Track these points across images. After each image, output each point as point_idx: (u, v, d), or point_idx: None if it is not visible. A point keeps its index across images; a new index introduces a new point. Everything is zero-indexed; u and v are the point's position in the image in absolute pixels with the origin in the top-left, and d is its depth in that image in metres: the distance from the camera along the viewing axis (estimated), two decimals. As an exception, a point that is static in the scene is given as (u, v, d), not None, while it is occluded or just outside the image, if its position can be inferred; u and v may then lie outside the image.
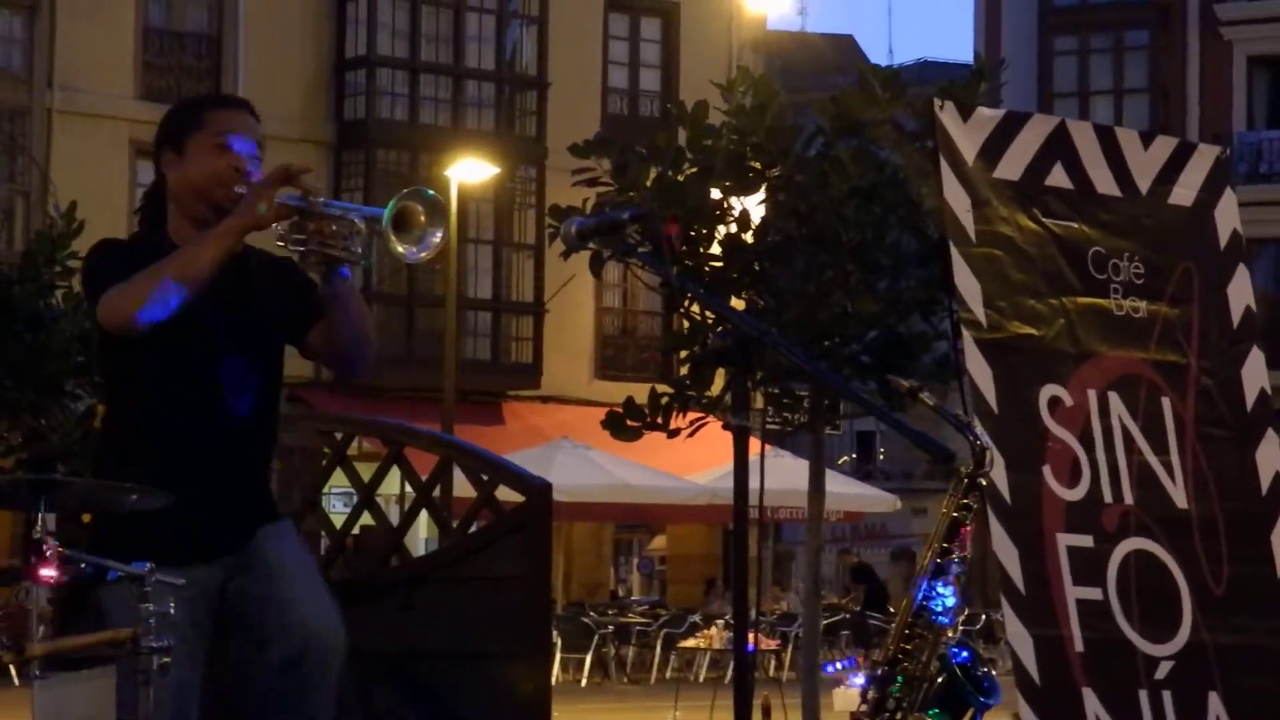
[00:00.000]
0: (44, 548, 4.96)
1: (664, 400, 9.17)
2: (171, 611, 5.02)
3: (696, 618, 26.39)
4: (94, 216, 23.83)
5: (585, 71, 31.74)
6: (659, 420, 9.22)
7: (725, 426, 4.69)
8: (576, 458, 25.54)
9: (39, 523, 4.97)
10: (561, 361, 30.59)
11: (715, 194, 9.12)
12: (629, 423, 9.24)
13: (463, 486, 9.02)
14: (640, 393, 9.42)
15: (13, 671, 5.32)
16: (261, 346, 5.20)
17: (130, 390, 5.20)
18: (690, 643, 25.14)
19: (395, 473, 8.14)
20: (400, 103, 30.27)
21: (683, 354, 9.29)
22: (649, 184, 9.10)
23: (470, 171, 27.01)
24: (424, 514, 8.37)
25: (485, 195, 29.53)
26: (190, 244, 5.02)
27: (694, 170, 9.08)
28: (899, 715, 5.17)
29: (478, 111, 30.70)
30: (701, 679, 24.03)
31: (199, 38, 29.44)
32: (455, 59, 30.73)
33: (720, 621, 24.86)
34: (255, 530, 5.21)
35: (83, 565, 5.09)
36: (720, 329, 5.52)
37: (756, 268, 9.11)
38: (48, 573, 5.00)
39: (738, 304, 9.07)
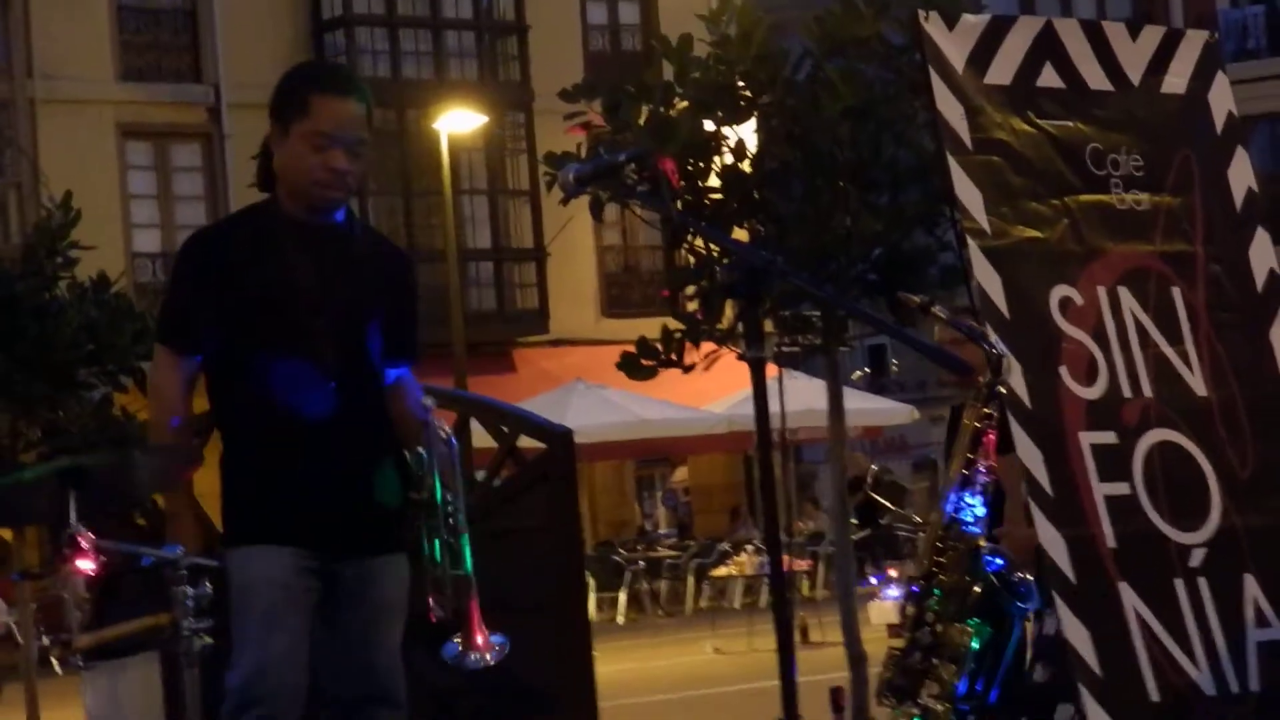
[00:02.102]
0: (77, 538, 4.99)
1: (676, 336, 9.18)
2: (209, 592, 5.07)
3: (725, 546, 26.47)
4: (86, 202, 23.75)
5: (564, 11, 31.63)
6: (673, 357, 9.23)
7: (740, 358, 4.70)
8: (591, 399, 25.57)
9: (70, 513, 5.01)
10: (567, 304, 30.61)
11: (708, 126, 9.10)
12: (643, 362, 9.26)
13: (481, 438, 9.04)
14: (649, 329, 9.43)
15: (54, 661, 5.35)
16: (353, 335, 5.17)
17: (224, 380, 5.20)
18: (721, 571, 25.22)
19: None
20: (382, 60, 30.20)
21: (690, 289, 9.28)
22: (641, 122, 9.07)
23: (458, 122, 26.99)
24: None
25: (475, 145, 29.48)
26: (158, 438, 5.22)
27: (685, 105, 9.06)
28: (939, 627, 5.19)
29: (460, 62, 30.63)
30: (737, 605, 24.12)
31: (174, 12, 29.32)
32: (433, 11, 30.63)
33: (750, 547, 24.93)
34: (368, 548, 5.16)
35: (115, 552, 5.12)
36: (726, 261, 5.54)
37: (756, 196, 9.09)
38: (83, 563, 5.04)
39: (740, 235, 9.06)
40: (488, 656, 4.97)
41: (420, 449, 5.06)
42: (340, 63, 26.85)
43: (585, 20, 32.42)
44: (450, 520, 5.04)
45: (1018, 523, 6.60)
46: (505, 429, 8.91)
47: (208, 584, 5.14)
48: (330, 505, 5.09)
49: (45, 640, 10.71)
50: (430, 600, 5.02)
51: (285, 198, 5.18)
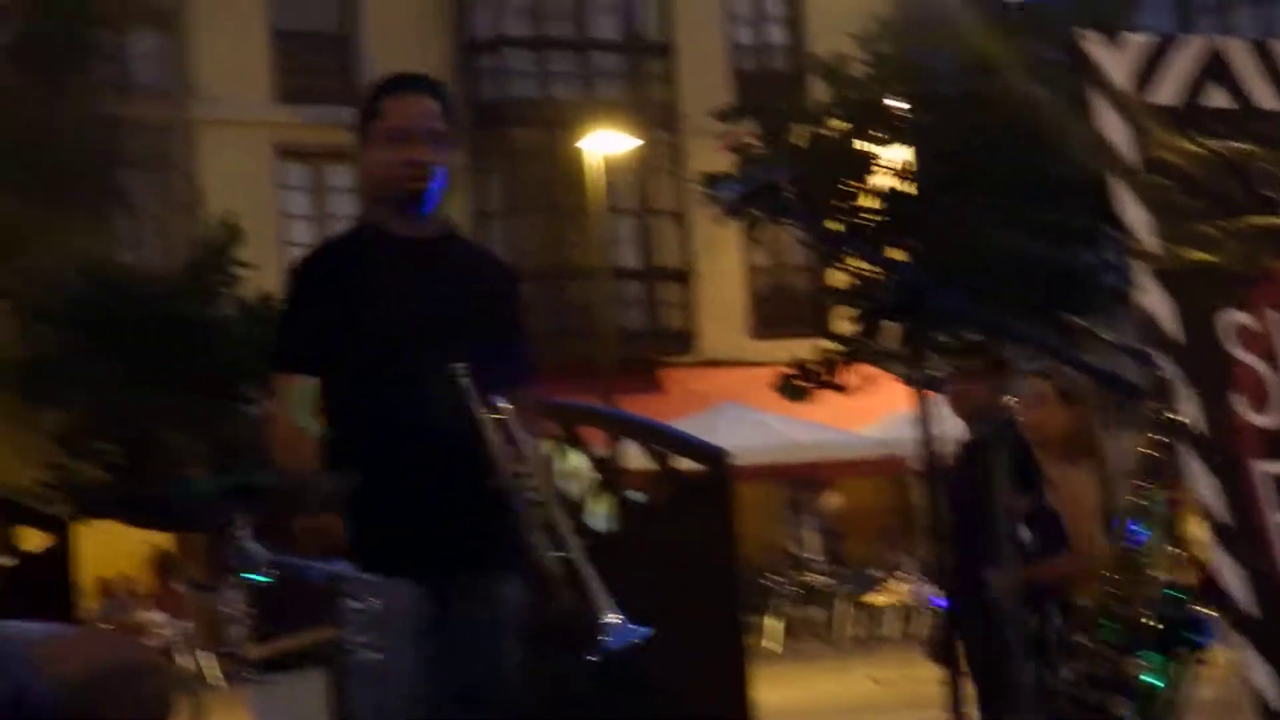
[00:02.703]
0: (242, 550, 5.04)
1: (834, 358, 9.15)
2: (378, 608, 5.08)
3: (877, 572, 26.27)
4: (244, 222, 24.16)
5: (710, 32, 31.63)
6: (829, 378, 9.20)
7: (905, 380, 4.65)
8: (741, 420, 25.48)
9: (236, 527, 5.04)
10: (715, 324, 30.57)
11: (864, 145, 9.07)
12: (800, 383, 9.23)
13: (636, 458, 9.02)
14: (799, 350, 9.42)
15: (219, 674, 5.40)
16: (457, 349, 5.12)
17: (333, 398, 5.19)
18: (874, 598, 25.01)
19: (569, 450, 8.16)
20: (530, 80, 30.35)
21: (847, 310, 9.25)
22: (798, 142, 9.07)
23: (606, 142, 27.11)
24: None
25: (623, 165, 29.54)
26: (290, 463, 5.12)
27: (841, 124, 9.04)
28: (1112, 659, 5.12)
29: (607, 82, 30.71)
30: (891, 633, 23.91)
31: (328, 36, 29.66)
32: (581, 32, 30.74)
33: (903, 574, 24.71)
34: (478, 565, 5.12)
35: (281, 566, 5.15)
36: (886, 282, 5.47)
37: (913, 215, 9.06)
38: (248, 576, 5.08)
39: (899, 254, 9.02)
40: (633, 628, 4.86)
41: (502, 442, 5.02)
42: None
43: (732, 40, 32.40)
44: (538, 504, 4.99)
45: (1079, 548, 6.46)
46: (660, 449, 8.89)
47: (373, 599, 5.15)
48: (438, 523, 5.08)
49: (207, 653, 10.83)
50: (548, 596, 4.98)
51: (379, 208, 5.21)
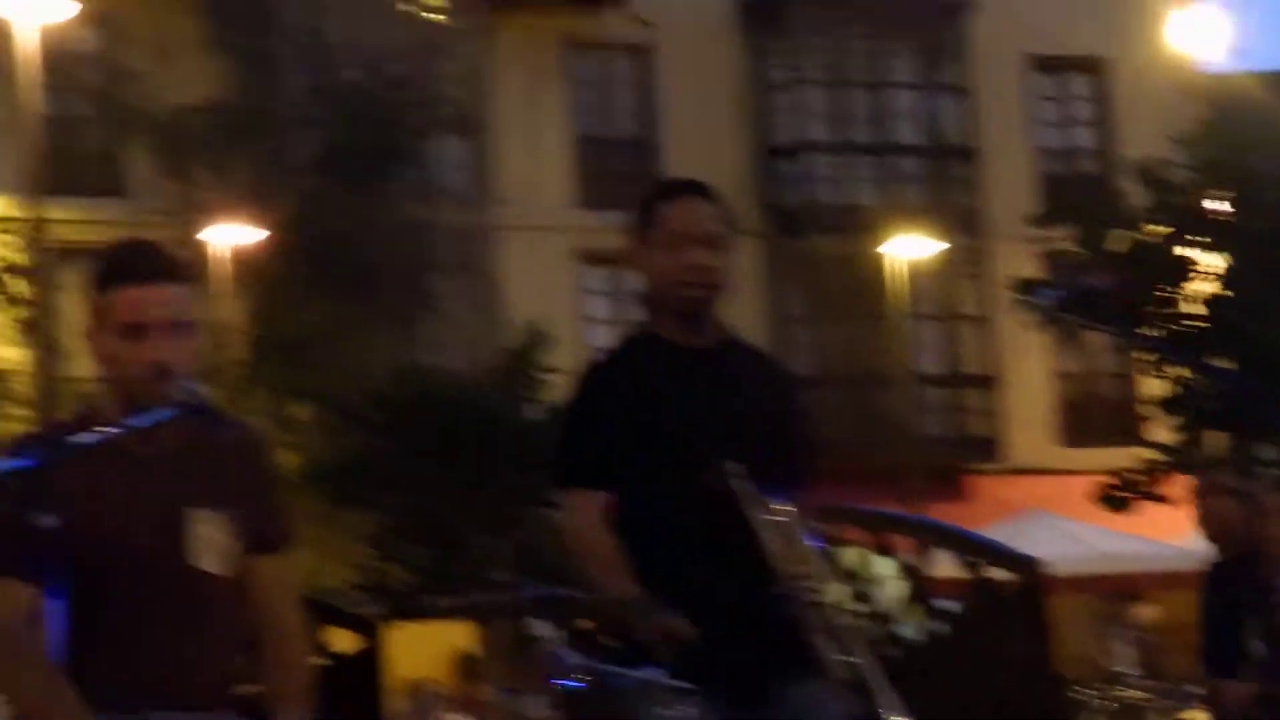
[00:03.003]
0: (552, 656, 4.97)
1: (1157, 467, 8.88)
2: (690, 715, 4.96)
3: (1196, 689, 25.37)
4: (545, 325, 24.35)
5: (1014, 136, 31.33)
6: (1151, 489, 8.93)
7: (1233, 491, 4.43)
8: (1049, 529, 24.90)
9: (541, 632, 4.97)
10: (1021, 431, 30.08)
11: (1184, 252, 8.82)
12: (1120, 494, 8.97)
13: (944, 566, 8.83)
14: (1109, 459, 9.15)
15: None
16: (741, 457, 4.95)
17: (619, 509, 5.07)
18: (1191, 715, 24.18)
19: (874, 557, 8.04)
20: (831, 185, 30.29)
21: (1165, 418, 8.97)
22: (1116, 248, 8.84)
23: (907, 248, 26.94)
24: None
25: (926, 269, 29.28)
26: (595, 574, 4.96)
27: (1161, 229, 8.80)
28: None
29: (909, 187, 30.53)
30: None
31: (629, 142, 29.95)
32: (882, 136, 30.64)
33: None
34: (773, 671, 4.97)
35: (588, 671, 5.07)
36: (1208, 390, 5.26)
37: (1234, 322, 8.77)
38: (558, 681, 5.01)
39: (1222, 362, 8.74)
40: None
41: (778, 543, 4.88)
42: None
43: (1037, 144, 32.04)
44: (821, 607, 4.83)
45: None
46: (971, 557, 8.71)
47: (684, 707, 5.04)
48: (732, 630, 4.92)
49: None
50: (837, 701, 4.82)
51: (659, 317, 5.11)
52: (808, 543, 4.89)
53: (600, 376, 5.18)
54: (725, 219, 5.17)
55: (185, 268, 4.41)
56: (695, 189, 5.21)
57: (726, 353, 5.17)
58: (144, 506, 4.21)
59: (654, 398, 5.04)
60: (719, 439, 4.99)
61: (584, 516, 5.02)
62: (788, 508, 4.91)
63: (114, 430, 4.02)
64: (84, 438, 3.96)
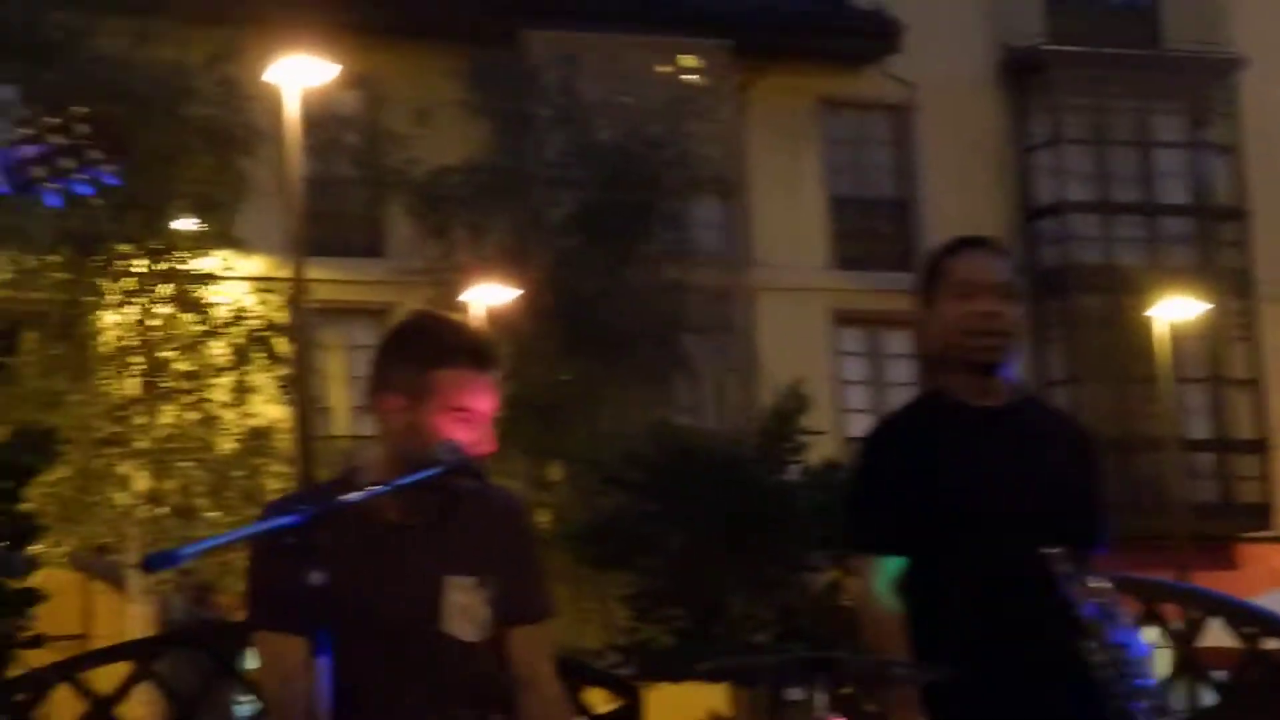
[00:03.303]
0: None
1: None
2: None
3: None
4: (802, 387, 24.13)
5: (1286, 196, 30.58)
6: None
7: None
8: (1323, 599, 24.20)
9: (800, 697, 4.80)
10: (1292, 498, 29.34)
11: None
12: None
13: (1217, 637, 8.46)
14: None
15: None
16: (1045, 527, 4.77)
17: (914, 577, 4.89)
18: None
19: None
20: (1095, 246, 29.81)
21: None
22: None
23: (1175, 309, 26.39)
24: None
25: (1193, 332, 28.63)
26: (879, 645, 4.82)
27: None
28: None
29: (1176, 248, 29.93)
30: None
31: (886, 202, 29.75)
32: (1148, 196, 30.08)
33: None
34: None
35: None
36: None
37: None
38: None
39: None
40: None
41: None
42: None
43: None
44: (1146, 696, 4.55)
45: None
46: (1247, 628, 8.33)
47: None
48: (1043, 703, 4.72)
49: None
50: None
51: (948, 377, 4.93)
52: (1126, 623, 4.68)
53: (889, 438, 5.02)
54: (1015, 270, 5.04)
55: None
56: (984, 244, 5.09)
57: (1022, 411, 4.97)
58: (402, 570, 4.19)
59: (947, 461, 4.85)
60: (1022, 506, 4.80)
61: (872, 583, 4.88)
62: (1105, 586, 4.70)
63: (379, 490, 4.02)
64: (350, 497, 3.95)
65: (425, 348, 4.22)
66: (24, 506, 13.02)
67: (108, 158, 3.20)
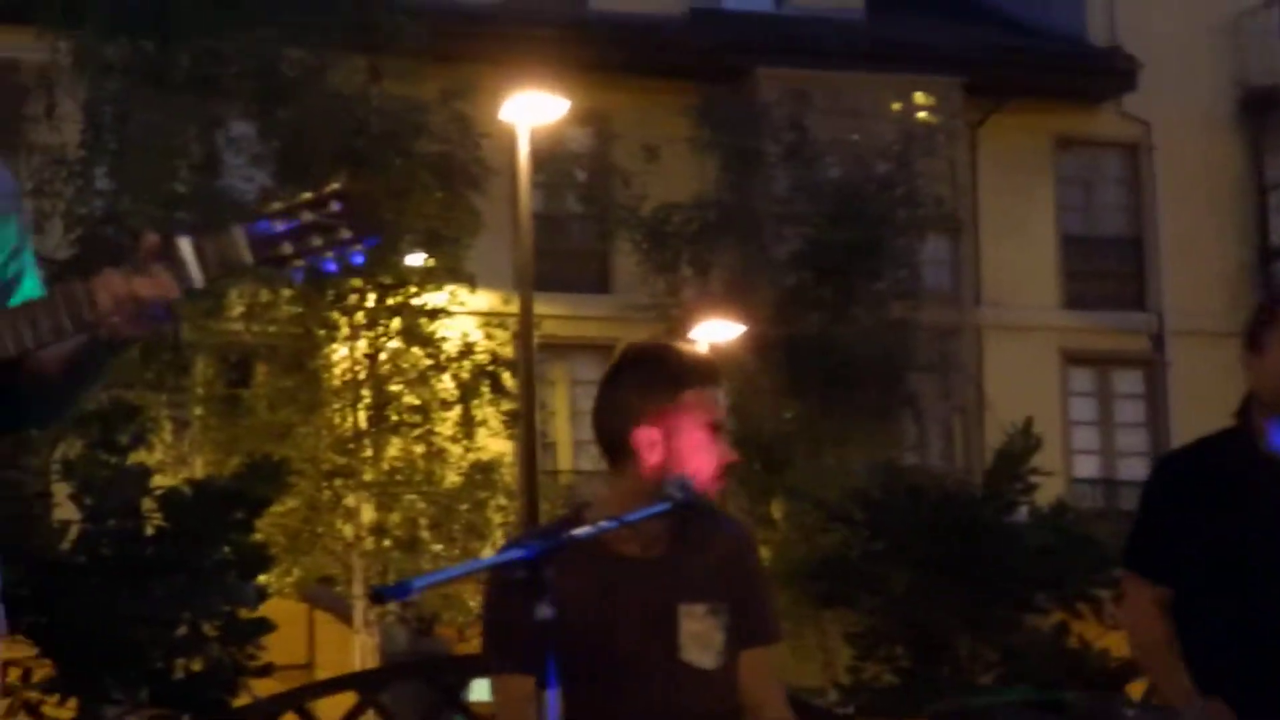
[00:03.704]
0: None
1: None
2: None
3: None
4: (1031, 427, 23.75)
5: None
6: None
7: None
8: None
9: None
10: None
11: None
12: None
13: None
14: None
15: None
16: None
17: (1186, 610, 4.86)
18: None
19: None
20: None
21: None
22: None
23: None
24: None
25: None
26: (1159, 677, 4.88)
27: None
28: None
29: None
30: None
31: (1118, 241, 29.29)
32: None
33: None
34: None
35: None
36: None
37: None
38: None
39: None
40: None
41: None
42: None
43: None
44: None
45: None
46: None
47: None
48: None
49: None
50: None
51: (1257, 421, 4.83)
52: None
53: (1180, 470, 5.09)
54: None
55: None
56: None
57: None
58: (635, 601, 4.21)
59: (1229, 503, 4.83)
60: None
61: (1141, 607, 4.95)
62: None
63: (609, 525, 4.02)
64: (580, 531, 3.96)
65: (670, 371, 4.27)
66: (255, 537, 13.19)
67: (358, 237, 3.20)
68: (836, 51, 25.87)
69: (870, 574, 16.20)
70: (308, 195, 3.21)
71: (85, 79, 20.35)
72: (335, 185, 3.25)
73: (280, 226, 3.17)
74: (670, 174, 23.61)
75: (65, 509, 13.25)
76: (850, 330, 23.49)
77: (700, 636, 4.21)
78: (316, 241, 3.18)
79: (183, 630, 12.50)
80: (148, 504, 12.95)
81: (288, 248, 3.17)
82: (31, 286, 3.36)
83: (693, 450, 4.20)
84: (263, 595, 13.20)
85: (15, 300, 3.30)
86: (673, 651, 4.19)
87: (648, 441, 4.21)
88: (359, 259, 3.23)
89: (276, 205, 3.20)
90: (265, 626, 12.63)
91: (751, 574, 4.39)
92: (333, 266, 3.26)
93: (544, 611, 3.71)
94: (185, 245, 3.15)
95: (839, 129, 25.11)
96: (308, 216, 3.18)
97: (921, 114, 26.84)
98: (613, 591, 4.20)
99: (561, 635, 3.80)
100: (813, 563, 19.03)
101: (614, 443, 4.24)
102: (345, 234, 3.19)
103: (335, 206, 3.19)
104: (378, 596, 3.98)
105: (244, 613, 12.66)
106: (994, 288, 27.90)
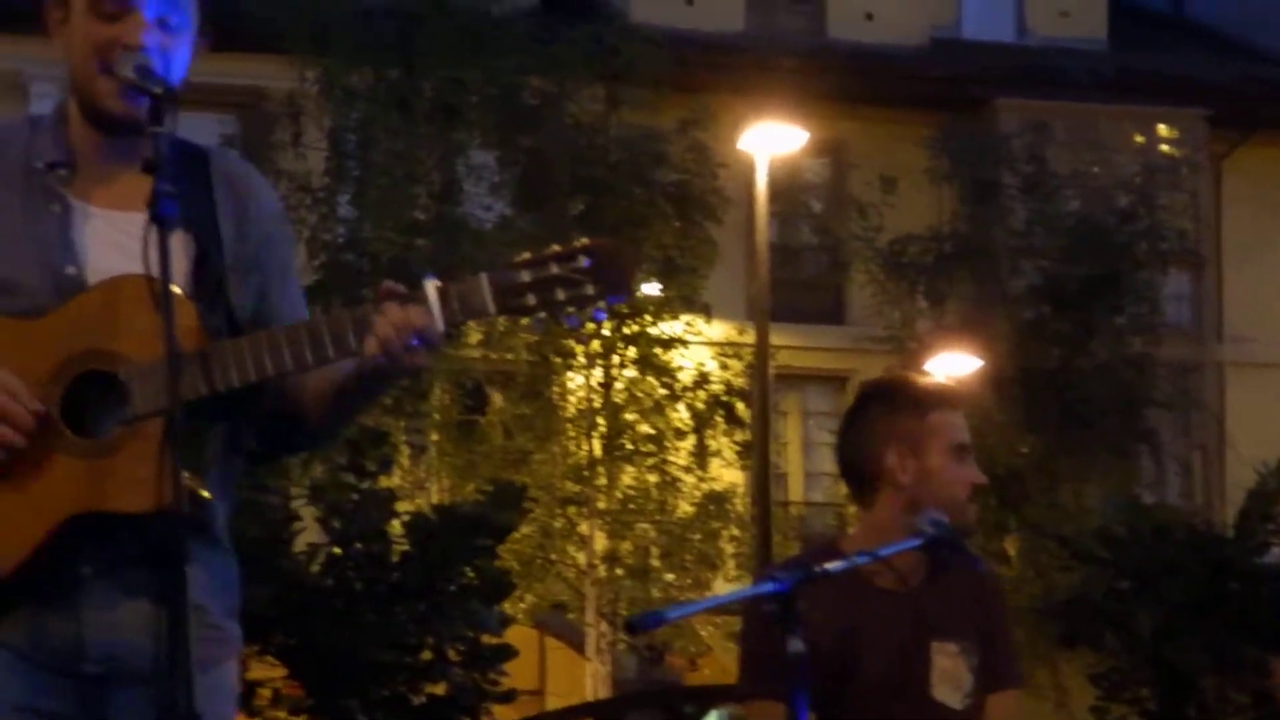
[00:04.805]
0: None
1: None
2: None
3: None
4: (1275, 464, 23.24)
5: None
6: None
7: None
8: None
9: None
10: None
11: None
12: None
13: None
14: None
15: None
16: None
17: None
18: None
19: None
20: None
21: None
22: None
23: None
24: None
25: None
26: None
27: None
28: None
29: None
30: None
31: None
32: None
33: None
34: None
35: None
36: None
37: None
38: None
39: None
40: None
41: None
42: None
43: None
44: None
45: None
46: None
47: None
48: None
49: None
50: None
51: None
52: None
53: None
54: None
55: None
56: None
57: None
58: (888, 635, 4.20)
59: None
60: None
61: None
62: None
63: (863, 559, 4.00)
64: (834, 565, 3.92)
65: (915, 395, 4.31)
66: (498, 564, 13.27)
67: (603, 294, 3.16)
68: (1078, 82, 25.54)
69: (1115, 613, 15.94)
70: (556, 248, 3.18)
71: (330, 107, 20.66)
72: (585, 240, 3.20)
73: (526, 277, 3.14)
74: (907, 205, 23.44)
75: (311, 531, 13.41)
76: (1088, 365, 23.17)
77: (951, 675, 4.19)
78: (560, 295, 3.15)
79: (426, 655, 12.58)
80: (393, 528, 13.07)
81: (531, 299, 3.14)
82: (293, 311, 3.36)
83: (941, 472, 4.21)
84: (505, 621, 13.26)
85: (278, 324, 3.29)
86: (924, 688, 4.17)
87: (898, 465, 4.22)
88: (601, 315, 3.19)
89: (524, 256, 3.18)
90: (508, 652, 12.70)
91: (999, 615, 4.36)
92: (574, 321, 3.23)
93: (795, 645, 3.70)
94: (430, 288, 3.13)
95: (1079, 161, 24.78)
96: (555, 269, 3.15)
97: (1164, 146, 26.39)
98: (865, 624, 4.19)
99: (813, 667, 3.78)
100: (1052, 601, 18.76)
101: (862, 474, 4.27)
102: (590, 290, 3.15)
103: (584, 262, 3.15)
104: (631, 627, 3.97)
105: (486, 638, 12.71)
106: (1237, 323, 27.36)
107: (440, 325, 3.12)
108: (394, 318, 3.10)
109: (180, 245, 3.18)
